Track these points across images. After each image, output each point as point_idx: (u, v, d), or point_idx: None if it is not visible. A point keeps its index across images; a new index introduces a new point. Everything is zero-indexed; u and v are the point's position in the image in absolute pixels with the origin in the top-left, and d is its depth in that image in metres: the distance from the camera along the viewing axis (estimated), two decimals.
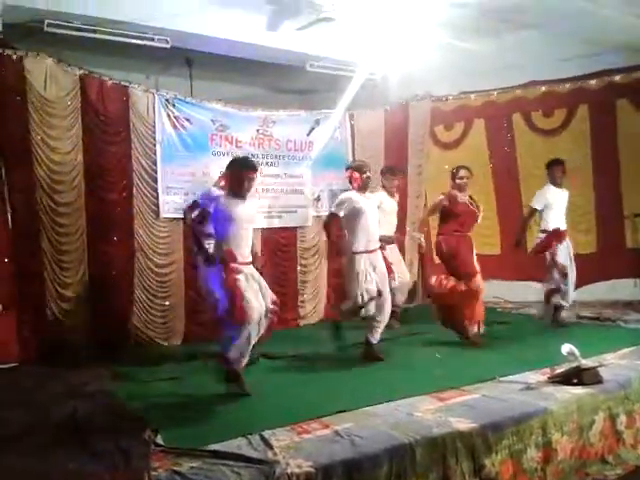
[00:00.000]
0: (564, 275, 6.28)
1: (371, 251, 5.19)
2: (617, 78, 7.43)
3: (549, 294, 6.42)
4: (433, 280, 5.86)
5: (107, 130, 6.11)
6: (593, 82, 7.56)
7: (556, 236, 6.30)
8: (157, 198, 6.37)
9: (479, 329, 5.70)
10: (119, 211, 6.17)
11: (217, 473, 2.89)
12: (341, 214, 5.20)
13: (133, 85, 6.30)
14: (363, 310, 5.14)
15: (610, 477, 3.78)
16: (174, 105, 6.52)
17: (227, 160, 6.70)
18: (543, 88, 7.81)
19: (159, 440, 3.37)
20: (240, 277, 4.27)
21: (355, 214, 5.16)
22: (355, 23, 6.52)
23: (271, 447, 3.18)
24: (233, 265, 4.28)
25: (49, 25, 5.81)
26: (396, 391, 4.11)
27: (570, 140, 7.75)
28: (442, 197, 5.82)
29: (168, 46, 6.48)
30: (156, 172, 6.37)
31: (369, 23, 6.48)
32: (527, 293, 7.34)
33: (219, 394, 4.31)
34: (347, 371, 4.95)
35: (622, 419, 4.04)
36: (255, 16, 6.58)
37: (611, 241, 7.58)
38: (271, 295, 4.48)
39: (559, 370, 4.27)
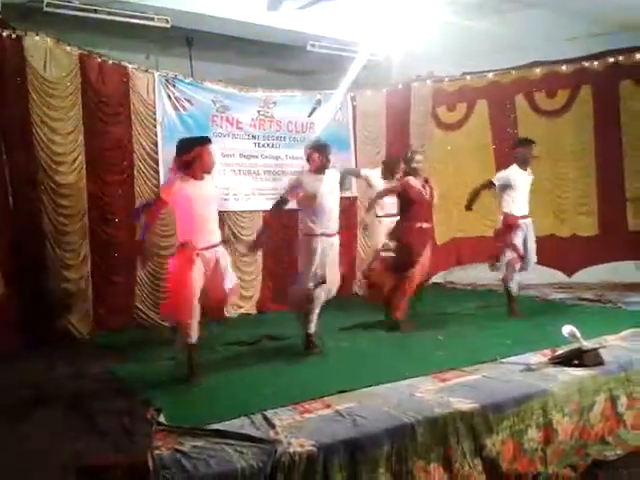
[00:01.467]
0: (521, 259, 5.96)
1: (329, 235, 4.94)
2: (621, 59, 7.38)
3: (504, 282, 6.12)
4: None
5: (107, 111, 6.09)
6: (597, 63, 7.50)
7: (509, 226, 5.93)
8: (158, 179, 6.35)
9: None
10: (120, 192, 6.17)
11: (220, 452, 2.90)
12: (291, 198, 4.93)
13: (133, 65, 6.27)
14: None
15: (610, 457, 3.79)
16: (174, 85, 6.50)
17: (228, 141, 6.79)
18: (546, 69, 7.75)
19: (162, 419, 3.39)
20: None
21: (310, 196, 4.84)
22: (357, 2, 6.45)
23: (273, 426, 3.19)
24: None
25: (48, 5, 5.78)
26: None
27: (573, 121, 7.71)
28: (395, 184, 5.72)
29: (168, 26, 6.43)
30: (157, 153, 6.36)
31: (371, 2, 6.41)
32: (527, 274, 7.32)
33: (219, 374, 4.34)
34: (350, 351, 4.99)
35: (623, 400, 4.04)
36: None
37: (613, 223, 7.56)
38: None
39: (560, 351, 4.28)
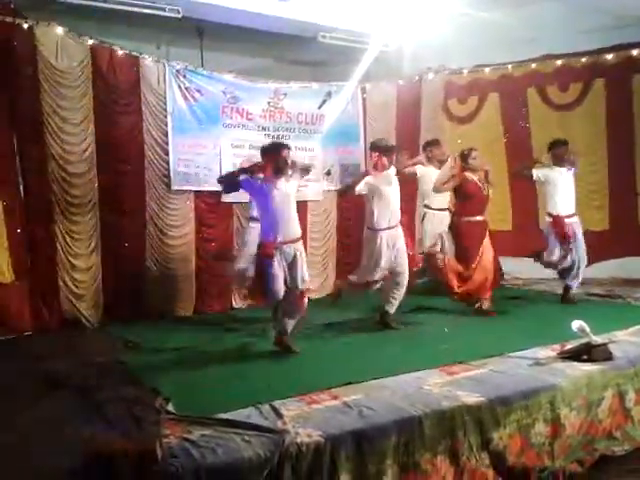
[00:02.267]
0: (564, 257, 6.29)
1: (391, 227, 5.38)
2: (634, 52, 7.28)
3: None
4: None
5: (118, 101, 6.09)
6: (610, 56, 7.41)
7: (556, 224, 6.24)
8: (168, 170, 6.36)
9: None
10: (130, 182, 6.19)
11: (228, 441, 2.92)
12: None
13: (144, 55, 6.26)
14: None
15: (617, 453, 3.80)
16: (185, 76, 6.48)
17: (238, 132, 6.79)
18: (559, 62, 7.67)
19: (170, 408, 3.41)
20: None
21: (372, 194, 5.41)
22: None
23: (281, 416, 3.21)
24: None
25: None
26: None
27: (585, 115, 7.63)
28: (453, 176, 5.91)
29: (179, 16, 6.43)
30: (167, 143, 6.36)
31: None
32: (538, 269, 7.29)
33: (231, 364, 4.36)
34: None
35: (631, 396, 4.03)
36: None
37: (623, 218, 7.51)
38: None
39: (569, 346, 4.27)
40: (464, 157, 5.89)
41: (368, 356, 4.60)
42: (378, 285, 5.55)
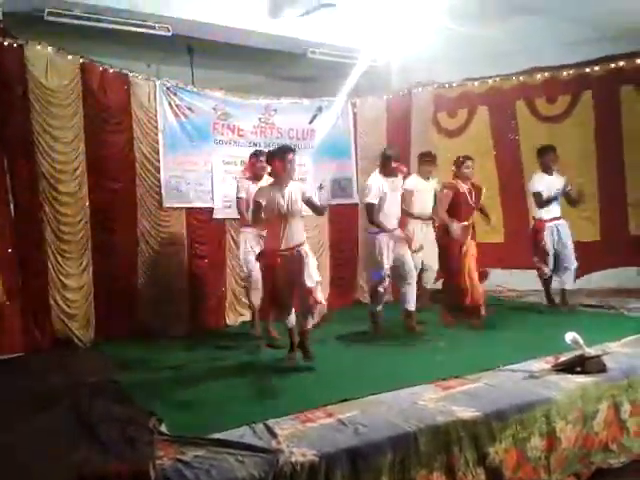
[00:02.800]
0: (544, 262, 6.46)
1: (391, 230, 5.63)
2: (621, 64, 7.35)
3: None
4: None
5: (109, 119, 6.09)
6: (597, 68, 7.47)
7: (536, 230, 6.50)
8: (159, 187, 6.36)
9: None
10: (122, 200, 6.17)
11: (221, 462, 2.90)
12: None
13: (134, 73, 6.27)
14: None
15: (614, 465, 3.79)
16: (175, 93, 6.50)
17: (229, 149, 6.80)
18: (546, 74, 7.73)
19: (163, 429, 3.38)
20: None
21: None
22: (356, 9, 6.47)
23: (275, 436, 3.18)
24: None
25: (49, 14, 5.81)
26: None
27: (574, 127, 7.68)
28: (446, 191, 5.97)
29: (169, 34, 6.45)
30: (158, 161, 6.36)
31: (370, 9, 6.43)
32: (530, 281, 7.31)
33: (223, 383, 4.34)
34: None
35: (626, 407, 4.03)
36: (256, 3, 6.53)
37: (614, 229, 7.53)
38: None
39: (563, 358, 4.27)
40: (458, 164, 5.99)
41: (364, 371, 4.58)
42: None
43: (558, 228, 6.52)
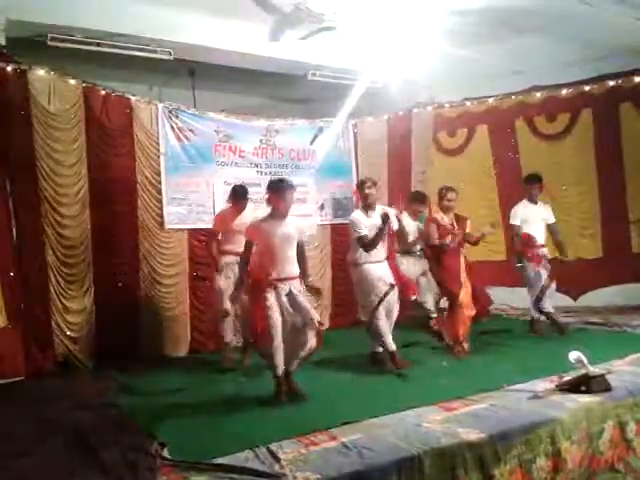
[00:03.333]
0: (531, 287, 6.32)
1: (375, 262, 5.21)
2: (620, 82, 7.42)
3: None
4: None
5: (111, 142, 6.15)
6: (596, 86, 7.54)
7: (529, 248, 6.32)
8: (161, 209, 6.39)
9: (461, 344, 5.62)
10: (123, 223, 6.20)
11: None
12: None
13: (136, 97, 6.33)
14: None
15: None
16: (177, 116, 6.56)
17: (231, 170, 6.84)
18: (546, 93, 7.80)
19: (166, 454, 3.36)
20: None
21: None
22: (356, 32, 6.52)
23: (278, 460, 3.15)
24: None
25: (52, 39, 5.88)
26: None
27: (574, 145, 7.73)
28: (431, 224, 5.75)
29: (171, 58, 6.53)
30: (160, 183, 6.40)
31: (370, 32, 6.48)
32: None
33: (226, 405, 4.31)
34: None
35: (632, 427, 3.99)
36: (257, 26, 6.59)
37: (617, 246, 7.53)
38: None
39: (567, 378, 4.24)
40: (441, 196, 5.75)
41: (366, 394, 4.55)
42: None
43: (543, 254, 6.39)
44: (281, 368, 4.40)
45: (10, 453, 3.57)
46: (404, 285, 5.37)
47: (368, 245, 5.09)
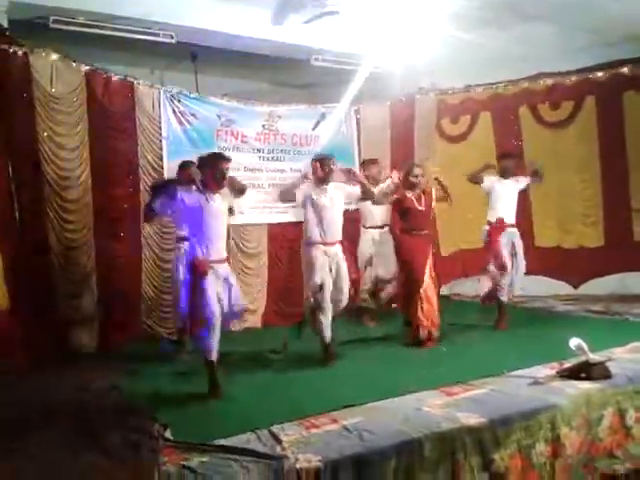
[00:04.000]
0: (502, 268, 6.08)
1: (327, 243, 5.11)
2: (624, 70, 7.38)
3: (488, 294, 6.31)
4: None
5: (113, 126, 6.12)
6: (600, 74, 7.51)
7: (495, 228, 6.13)
8: None
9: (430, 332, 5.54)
10: (126, 207, 6.19)
11: (226, 468, 2.90)
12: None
13: (138, 81, 6.31)
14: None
15: (619, 471, 3.77)
16: (179, 100, 6.53)
17: (233, 155, 6.79)
18: (550, 80, 7.76)
19: (168, 435, 3.38)
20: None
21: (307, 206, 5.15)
22: (359, 16, 6.48)
23: (280, 442, 3.18)
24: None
25: (54, 21, 5.85)
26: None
27: (577, 132, 7.71)
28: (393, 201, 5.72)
29: (173, 41, 6.49)
30: (162, 167, 6.38)
31: (373, 16, 6.44)
32: (535, 286, 7.31)
33: (229, 389, 4.34)
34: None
35: (631, 414, 4.02)
36: (260, 10, 6.56)
37: (619, 234, 7.53)
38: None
39: (567, 365, 4.26)
40: (406, 173, 5.71)
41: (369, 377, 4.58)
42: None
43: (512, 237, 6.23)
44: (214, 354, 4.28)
45: (10, 436, 3.58)
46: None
47: None
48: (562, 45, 7.23)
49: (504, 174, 6.20)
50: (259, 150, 7.07)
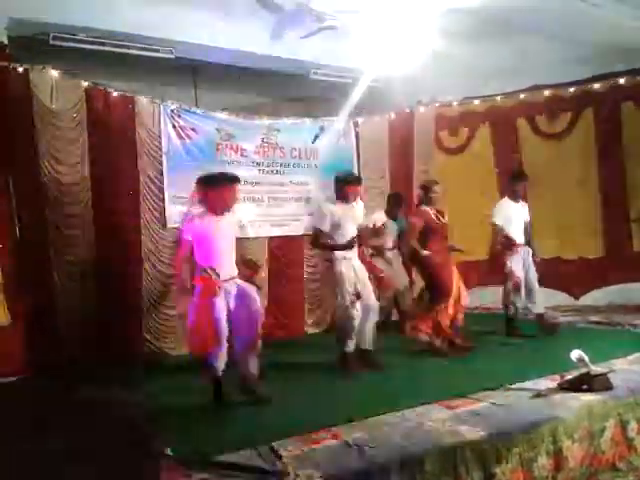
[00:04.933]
0: (517, 287, 6.16)
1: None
2: (622, 81, 7.42)
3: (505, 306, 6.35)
4: None
5: (113, 141, 6.15)
6: (598, 85, 7.55)
7: (509, 246, 6.19)
8: (164, 208, 6.39)
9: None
10: (126, 222, 6.20)
11: None
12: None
13: (138, 96, 6.34)
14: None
15: None
16: (179, 115, 6.56)
17: (233, 169, 6.83)
18: (547, 92, 7.80)
19: (168, 451, 3.37)
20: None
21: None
22: (358, 31, 6.53)
23: (280, 458, 3.16)
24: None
25: (54, 38, 5.89)
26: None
27: (575, 144, 7.73)
28: (415, 219, 5.76)
29: (173, 57, 6.53)
30: (162, 182, 6.41)
31: (372, 31, 6.48)
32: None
33: (229, 404, 4.33)
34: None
35: (633, 425, 3.99)
36: (258, 25, 6.60)
37: (618, 245, 7.53)
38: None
39: (569, 377, 4.24)
40: (426, 189, 5.76)
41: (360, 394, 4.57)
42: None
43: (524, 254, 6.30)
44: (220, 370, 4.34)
45: (9, 451, 3.58)
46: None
47: None
48: (557, 57, 7.26)
49: (515, 197, 6.28)
50: (259, 164, 7.10)
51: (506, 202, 6.30)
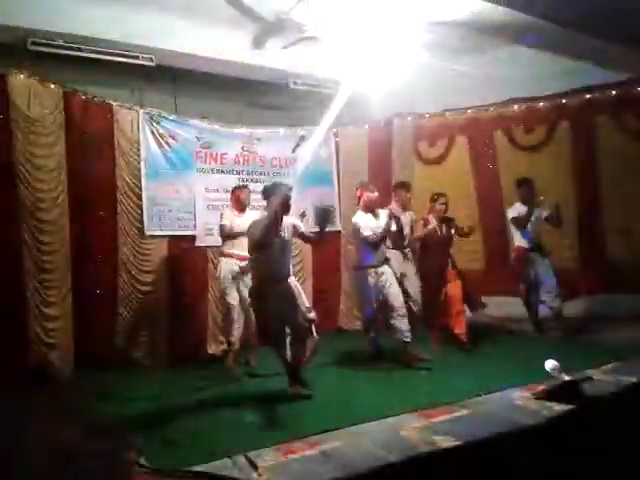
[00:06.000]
0: (527, 290, 6.75)
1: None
2: (597, 95, 7.54)
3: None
4: None
5: (91, 147, 6.10)
6: (573, 99, 7.66)
7: (519, 252, 6.77)
8: (141, 215, 6.35)
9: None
10: (103, 229, 6.15)
11: None
12: None
13: (117, 102, 6.30)
14: None
15: None
16: (158, 122, 6.54)
17: (212, 177, 6.84)
18: (524, 105, 7.90)
19: (142, 461, 3.33)
20: None
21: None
22: (338, 42, 6.57)
23: (256, 468, 3.15)
24: None
25: (32, 43, 5.84)
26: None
27: (552, 156, 7.82)
28: (429, 227, 6.29)
29: (153, 64, 6.51)
30: (140, 189, 6.36)
31: (351, 42, 6.54)
32: (511, 308, 7.36)
33: (203, 415, 4.29)
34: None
35: None
36: (240, 34, 6.61)
37: (593, 256, 7.62)
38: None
39: (544, 387, 4.29)
40: (434, 200, 6.38)
41: (345, 401, 4.56)
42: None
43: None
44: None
45: None
46: None
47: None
48: (533, 70, 7.37)
49: (523, 201, 6.71)
50: (238, 172, 7.09)
51: (519, 205, 6.80)
